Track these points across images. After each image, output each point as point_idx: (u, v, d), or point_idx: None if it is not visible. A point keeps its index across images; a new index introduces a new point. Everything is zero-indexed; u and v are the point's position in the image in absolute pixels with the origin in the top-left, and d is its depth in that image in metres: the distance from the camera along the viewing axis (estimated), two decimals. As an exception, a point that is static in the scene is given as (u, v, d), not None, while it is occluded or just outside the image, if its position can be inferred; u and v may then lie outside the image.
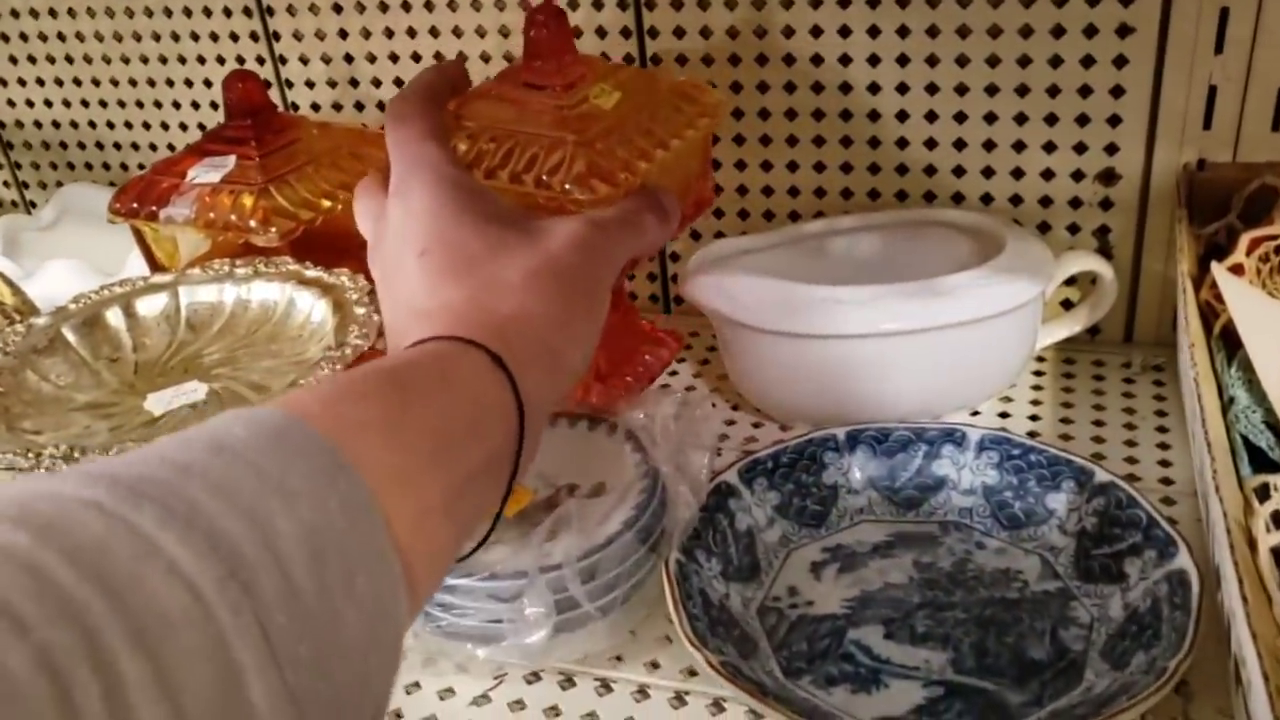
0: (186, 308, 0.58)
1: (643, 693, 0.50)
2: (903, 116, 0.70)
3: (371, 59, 0.79)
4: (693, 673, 0.51)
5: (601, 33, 0.73)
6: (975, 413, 0.67)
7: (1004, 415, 0.67)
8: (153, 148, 0.89)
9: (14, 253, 0.79)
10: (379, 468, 0.30)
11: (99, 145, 0.91)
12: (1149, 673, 0.44)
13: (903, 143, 0.71)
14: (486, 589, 0.48)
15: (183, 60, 0.84)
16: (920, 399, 0.64)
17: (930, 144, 0.70)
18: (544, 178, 0.53)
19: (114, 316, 0.58)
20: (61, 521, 0.23)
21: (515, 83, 0.56)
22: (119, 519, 0.24)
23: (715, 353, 0.76)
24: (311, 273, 0.58)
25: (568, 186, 0.52)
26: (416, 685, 0.52)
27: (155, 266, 0.66)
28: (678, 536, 0.52)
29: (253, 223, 0.60)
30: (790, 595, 0.53)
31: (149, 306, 0.58)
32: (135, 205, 0.63)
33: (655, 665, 0.51)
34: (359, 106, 0.81)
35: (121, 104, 0.88)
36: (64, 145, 0.92)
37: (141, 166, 0.90)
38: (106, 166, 0.92)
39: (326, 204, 0.63)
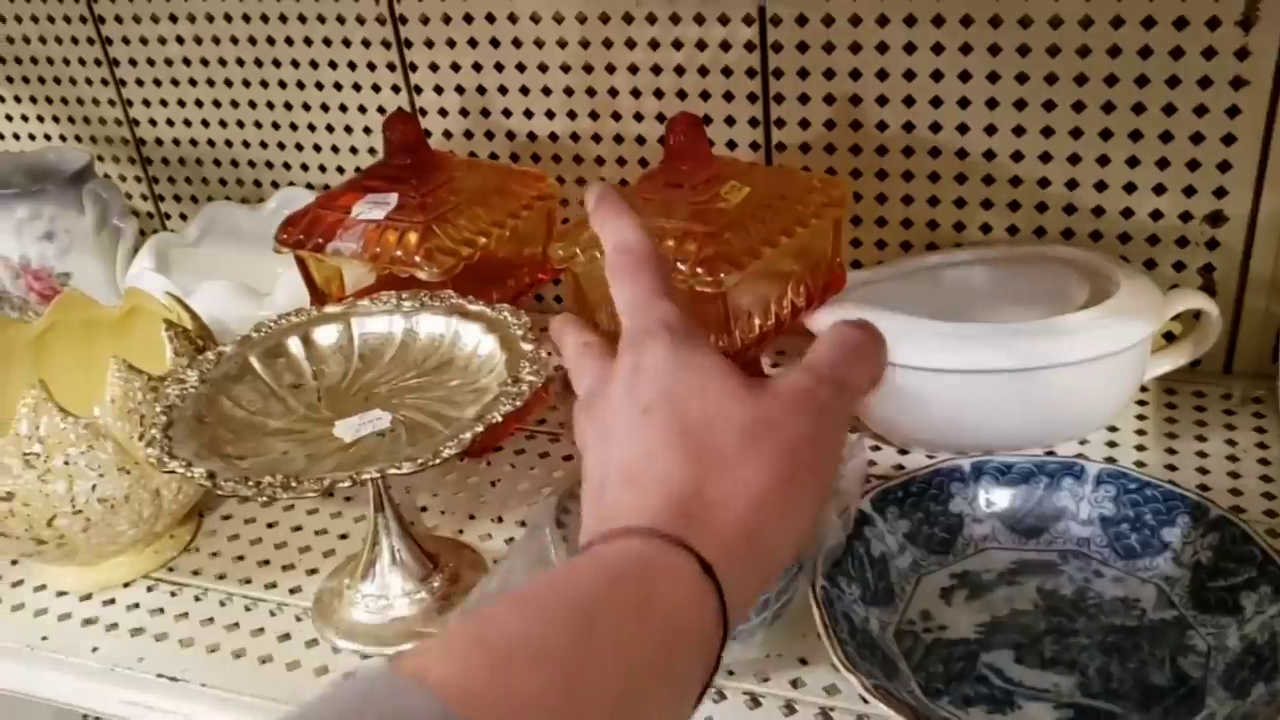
0: (359, 338, 0.63)
1: (789, 708, 0.55)
2: (1017, 157, 0.73)
3: (503, 90, 0.83)
4: (834, 690, 0.55)
5: (730, 121, 0.79)
6: (1084, 442, 0.70)
7: (1111, 445, 0.70)
8: (286, 166, 0.94)
9: (165, 269, 0.84)
10: None
11: (234, 163, 0.96)
12: (1271, 704, 0.48)
13: (1015, 181, 0.74)
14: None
15: (319, 86, 0.89)
16: (1034, 430, 0.68)
17: (1043, 183, 0.73)
18: (678, 265, 0.59)
19: (294, 345, 0.62)
20: None
21: (658, 183, 0.65)
22: None
23: (826, 375, 0.80)
24: (474, 307, 0.62)
25: (699, 270, 0.59)
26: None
27: (316, 292, 0.71)
28: (822, 563, 0.56)
29: (418, 258, 0.65)
30: (924, 620, 0.57)
31: (324, 336, 0.63)
32: (303, 237, 0.68)
33: (799, 683, 0.56)
34: (489, 135, 0.85)
35: (258, 125, 0.93)
36: (199, 163, 0.98)
37: (275, 185, 0.95)
38: (240, 183, 0.97)
39: (483, 241, 0.67)
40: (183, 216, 1.02)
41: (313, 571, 0.66)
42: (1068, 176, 0.73)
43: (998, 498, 0.62)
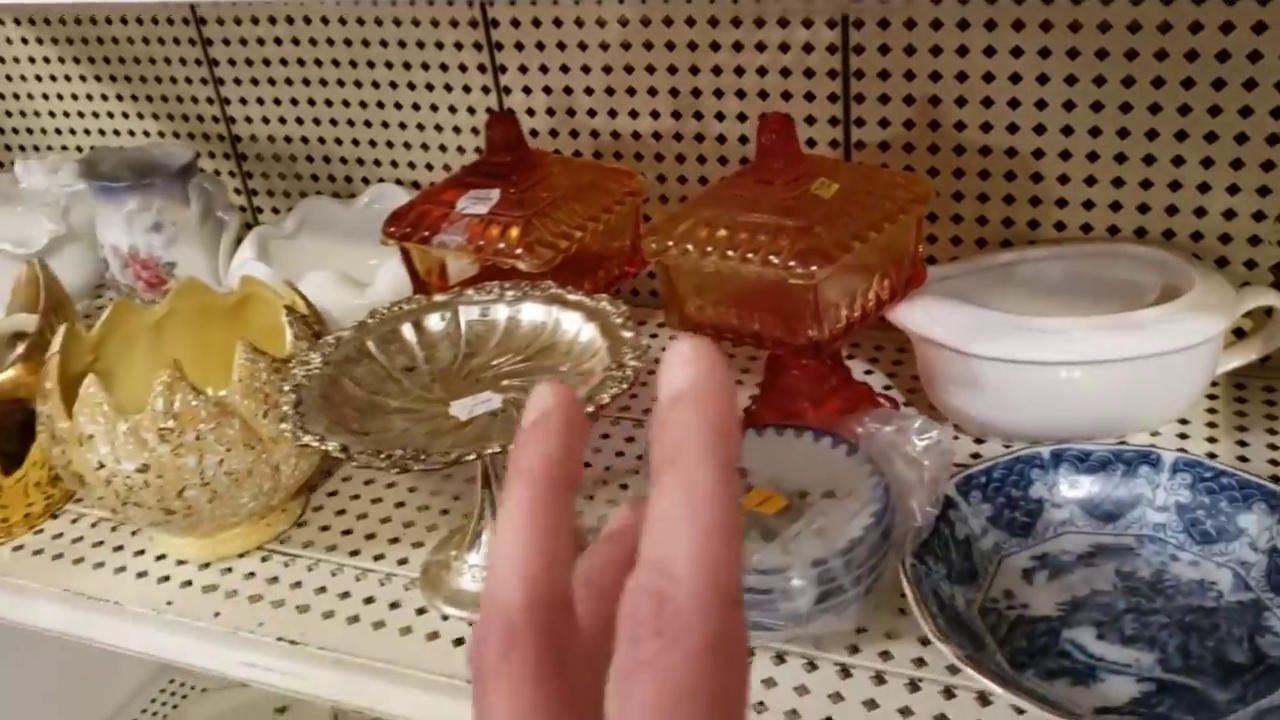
0: (465, 325, 0.67)
1: (879, 679, 0.58)
2: (1093, 156, 0.75)
3: (589, 91, 0.87)
4: (921, 662, 0.58)
5: (810, 120, 0.81)
6: (1155, 434, 0.73)
7: (1183, 437, 0.72)
8: (376, 163, 0.98)
9: (266, 259, 0.89)
10: None
11: (326, 160, 1.00)
12: (1347, 680, 0.51)
13: (1090, 180, 0.76)
14: (754, 582, 0.56)
15: (412, 87, 0.93)
16: (1108, 420, 0.70)
17: (1117, 182, 0.76)
18: (770, 259, 0.62)
19: (408, 331, 0.66)
20: None
21: (749, 179, 0.68)
22: None
23: (901, 365, 0.83)
24: (574, 297, 0.66)
25: (792, 264, 0.61)
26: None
27: (419, 282, 0.75)
28: (909, 543, 0.59)
29: (519, 251, 0.68)
30: (1006, 598, 0.60)
31: (434, 323, 0.67)
32: (409, 230, 0.72)
33: (888, 655, 0.59)
34: (574, 134, 0.89)
35: (351, 123, 0.97)
36: (293, 159, 1.02)
37: (365, 180, 0.99)
38: (331, 179, 1.01)
39: (579, 234, 0.71)
40: (275, 210, 1.06)
41: (418, 544, 0.70)
42: (1141, 176, 0.75)
43: (1076, 484, 0.65)
